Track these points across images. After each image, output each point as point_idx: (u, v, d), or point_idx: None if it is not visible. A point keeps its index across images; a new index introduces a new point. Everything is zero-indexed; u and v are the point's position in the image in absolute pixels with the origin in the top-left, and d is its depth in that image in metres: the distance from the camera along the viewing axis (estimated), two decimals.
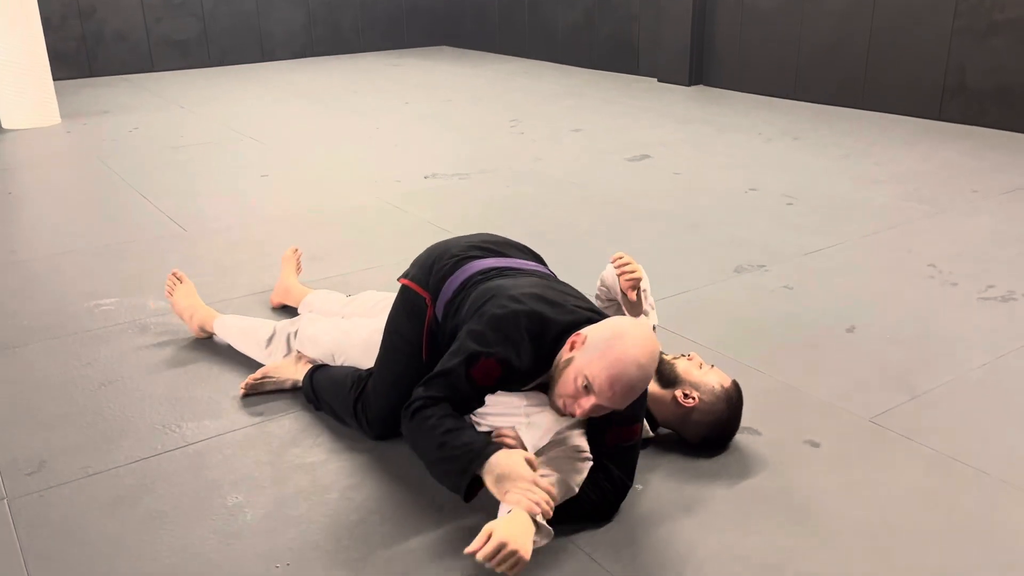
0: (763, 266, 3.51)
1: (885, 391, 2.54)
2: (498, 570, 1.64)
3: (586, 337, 1.85)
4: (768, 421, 2.38)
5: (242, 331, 2.72)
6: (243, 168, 5.12)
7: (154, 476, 2.15)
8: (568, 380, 1.83)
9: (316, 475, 2.15)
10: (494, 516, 1.85)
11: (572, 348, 1.86)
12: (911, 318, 3.02)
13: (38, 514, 2.00)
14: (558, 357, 1.89)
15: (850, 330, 2.93)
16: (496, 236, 2.34)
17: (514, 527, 1.66)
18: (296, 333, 2.58)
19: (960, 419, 2.39)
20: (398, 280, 2.26)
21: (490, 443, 1.81)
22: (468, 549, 1.65)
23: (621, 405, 1.82)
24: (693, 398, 2.17)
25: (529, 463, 1.77)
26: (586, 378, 1.79)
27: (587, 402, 1.80)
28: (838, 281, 3.35)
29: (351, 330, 2.49)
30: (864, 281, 3.35)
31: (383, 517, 1.99)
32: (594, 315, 1.98)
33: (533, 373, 1.92)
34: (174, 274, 2.91)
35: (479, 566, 1.81)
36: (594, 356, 1.80)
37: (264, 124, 6.33)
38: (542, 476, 1.84)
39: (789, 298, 3.21)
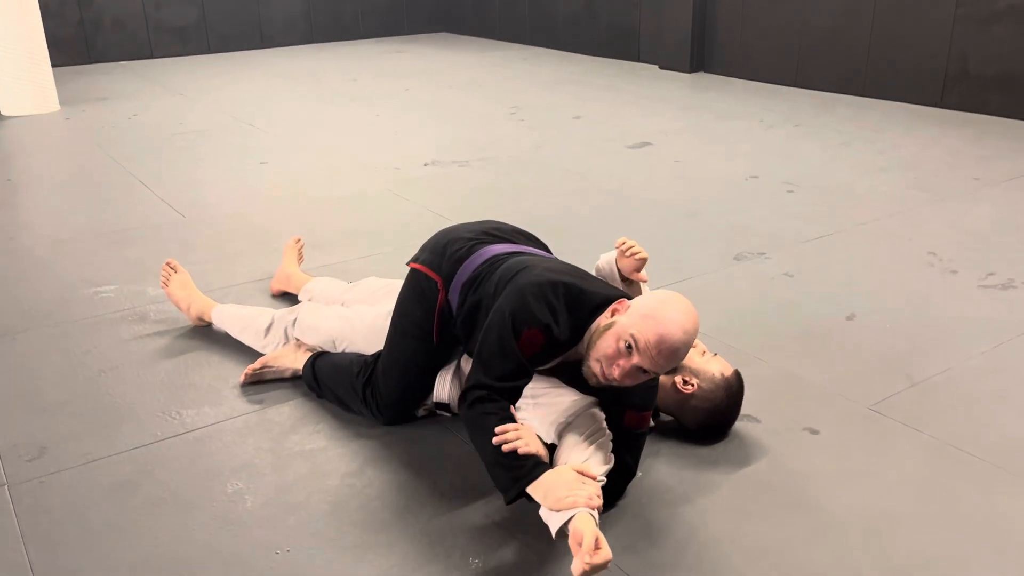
0: (763, 254, 3.50)
1: (884, 379, 2.54)
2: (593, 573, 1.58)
3: (630, 304, 1.87)
4: (767, 408, 2.38)
5: (240, 320, 2.72)
6: (242, 155, 5.10)
7: (154, 463, 2.15)
8: (609, 341, 1.83)
9: (316, 462, 2.16)
10: (495, 505, 1.85)
11: (614, 314, 1.87)
12: (911, 306, 3.02)
13: (39, 500, 2.01)
14: (594, 324, 1.90)
15: (850, 318, 2.93)
16: (504, 224, 2.34)
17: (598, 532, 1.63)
18: (295, 322, 2.58)
19: (959, 407, 2.39)
20: (407, 264, 2.26)
21: (540, 463, 1.77)
22: (591, 558, 1.56)
23: (661, 368, 1.83)
24: (692, 385, 2.17)
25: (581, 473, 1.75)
26: (632, 337, 1.79)
27: (627, 363, 1.81)
28: (838, 269, 3.35)
29: (353, 317, 2.49)
30: (864, 269, 3.35)
31: (384, 504, 2.00)
32: (626, 294, 1.99)
33: (564, 346, 1.92)
34: (168, 264, 2.90)
35: (488, 553, 1.82)
36: (640, 318, 1.81)
37: (263, 111, 6.31)
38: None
39: (789, 286, 3.21)
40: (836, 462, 2.15)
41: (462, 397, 1.91)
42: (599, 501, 1.69)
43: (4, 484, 2.06)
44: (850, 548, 1.85)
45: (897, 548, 1.85)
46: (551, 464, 1.88)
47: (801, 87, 6.87)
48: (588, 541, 1.57)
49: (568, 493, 1.67)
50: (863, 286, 3.18)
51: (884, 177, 4.52)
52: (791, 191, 4.31)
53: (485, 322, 1.95)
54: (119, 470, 2.12)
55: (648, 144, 5.25)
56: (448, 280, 2.13)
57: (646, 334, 1.78)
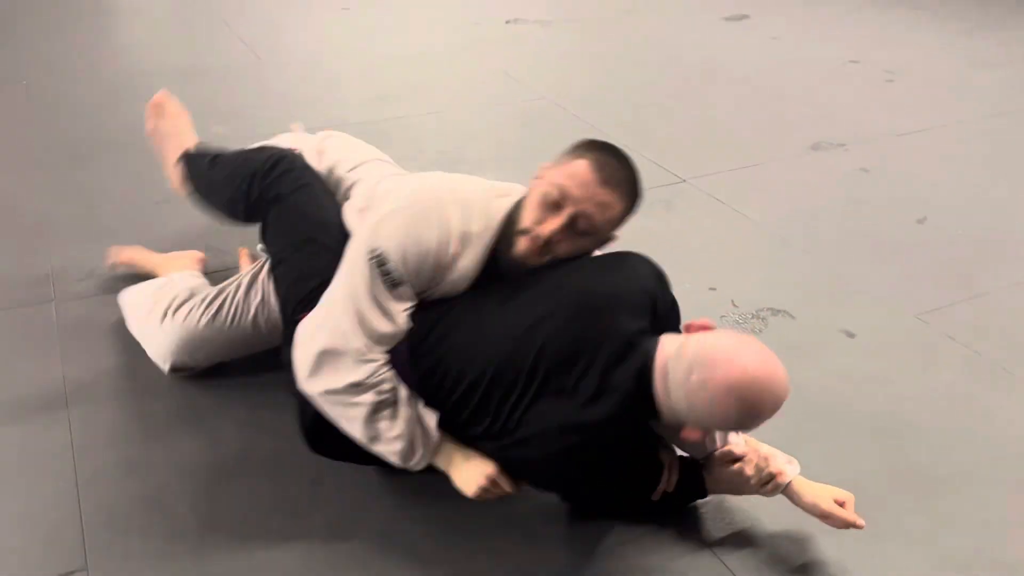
0: (843, 145, 3.30)
1: (941, 288, 2.40)
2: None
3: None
4: (806, 306, 2.29)
5: None
6: None
7: None
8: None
9: None
10: None
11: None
12: (989, 214, 2.82)
13: (81, 318, 2.12)
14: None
15: (920, 221, 2.76)
16: None
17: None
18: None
19: (1016, 324, 2.26)
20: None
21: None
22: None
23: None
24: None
25: None
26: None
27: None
28: (921, 168, 3.13)
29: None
30: (949, 171, 3.12)
31: None
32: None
33: None
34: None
35: None
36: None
37: None
38: None
39: (863, 181, 3.03)
40: (865, 367, 2.07)
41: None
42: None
43: (52, 300, 2.19)
44: (857, 452, 1.81)
45: (907, 458, 1.80)
46: None
47: None
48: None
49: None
50: (943, 189, 2.98)
51: (999, 73, 4.14)
52: (891, 80, 4.00)
53: None
54: None
55: (746, 17, 4.91)
56: None
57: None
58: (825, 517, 1.53)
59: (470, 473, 1.46)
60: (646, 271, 1.54)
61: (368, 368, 1.41)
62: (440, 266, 1.48)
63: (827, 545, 1.58)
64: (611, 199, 1.49)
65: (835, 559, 1.56)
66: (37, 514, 1.57)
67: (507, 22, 4.65)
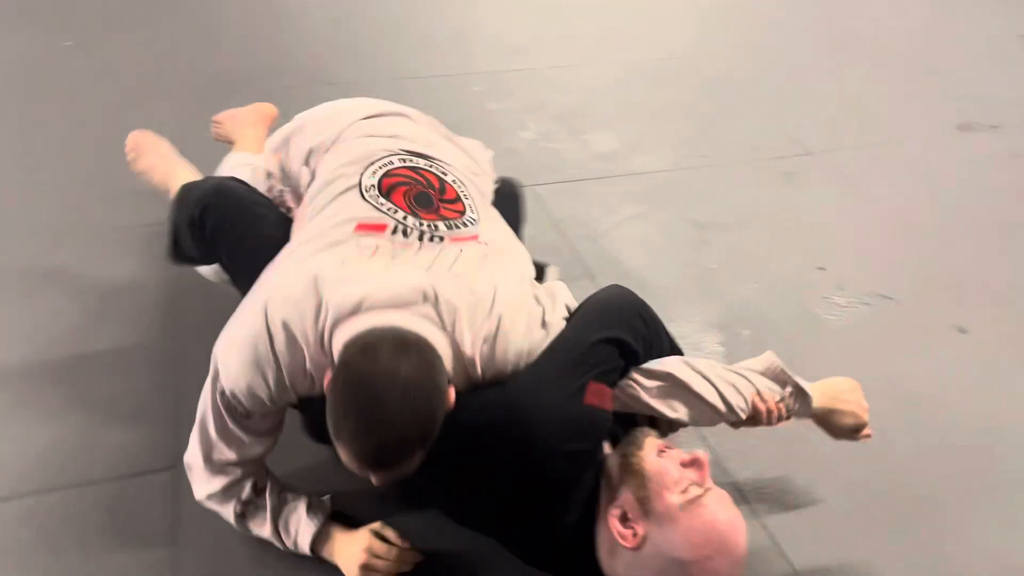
0: (995, 127, 3.06)
1: None
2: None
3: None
4: (920, 296, 2.17)
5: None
6: None
7: None
8: None
9: None
10: None
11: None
12: None
13: None
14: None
15: None
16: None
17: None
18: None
19: None
20: None
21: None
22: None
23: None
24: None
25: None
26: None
27: None
28: None
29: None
30: None
31: None
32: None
33: None
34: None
35: None
36: None
37: None
38: None
39: (1010, 167, 2.81)
40: (973, 365, 1.96)
41: None
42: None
43: (155, 223, 2.33)
44: (947, 451, 1.72)
45: (1001, 464, 1.70)
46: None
47: None
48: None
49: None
50: None
51: None
52: None
53: None
54: None
55: None
56: None
57: None
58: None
59: (349, 553, 1.44)
60: (558, 464, 1.26)
61: (221, 480, 1.40)
62: (296, 392, 1.31)
63: (883, 539, 1.53)
64: (397, 468, 1.18)
65: (889, 554, 1.50)
66: (136, 414, 1.72)
67: None
